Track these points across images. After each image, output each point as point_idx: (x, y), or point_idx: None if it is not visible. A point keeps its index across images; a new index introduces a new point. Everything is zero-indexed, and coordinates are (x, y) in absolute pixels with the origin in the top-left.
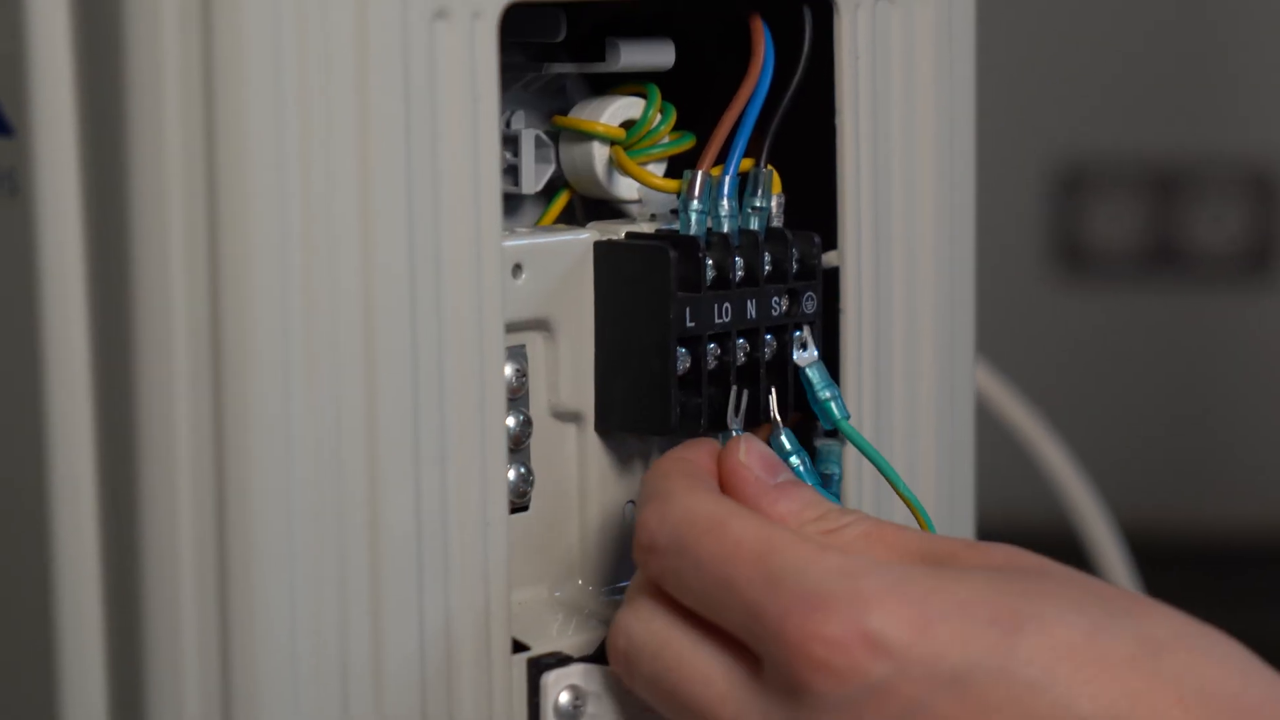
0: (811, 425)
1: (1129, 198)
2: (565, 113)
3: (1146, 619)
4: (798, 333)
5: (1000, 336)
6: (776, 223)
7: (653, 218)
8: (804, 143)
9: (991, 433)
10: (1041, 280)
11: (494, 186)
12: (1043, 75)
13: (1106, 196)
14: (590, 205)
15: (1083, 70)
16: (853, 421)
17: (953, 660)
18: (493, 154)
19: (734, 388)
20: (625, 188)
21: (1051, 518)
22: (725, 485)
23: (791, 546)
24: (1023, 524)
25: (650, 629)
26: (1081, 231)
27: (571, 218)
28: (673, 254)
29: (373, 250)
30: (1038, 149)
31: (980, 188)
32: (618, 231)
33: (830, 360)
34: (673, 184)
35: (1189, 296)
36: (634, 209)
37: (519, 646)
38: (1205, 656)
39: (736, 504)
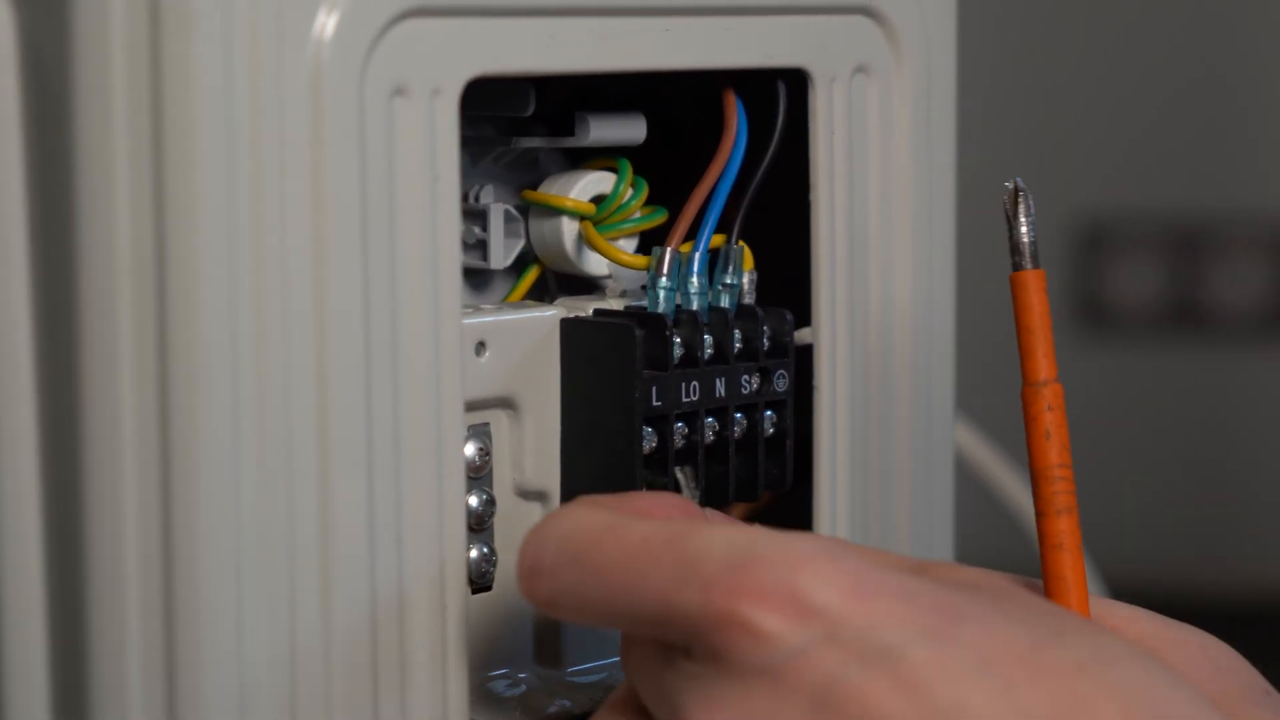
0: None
1: (1150, 256)
2: (537, 186)
3: (1101, 639)
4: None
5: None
6: (749, 299)
7: (623, 294)
8: (778, 218)
9: (982, 501)
10: (1062, 338)
11: (453, 266)
12: (1064, 134)
13: (1127, 254)
14: (563, 280)
15: (1104, 129)
16: (827, 499)
17: (886, 634)
18: (453, 233)
19: (677, 469)
20: (595, 263)
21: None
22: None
23: (707, 529)
24: None
25: None
26: (1102, 289)
27: (544, 292)
28: (638, 332)
29: (327, 331)
30: (1059, 207)
31: (1000, 246)
32: (585, 308)
33: (804, 438)
34: (642, 260)
35: (1210, 354)
36: (606, 284)
37: None
38: (1159, 681)
39: (616, 503)
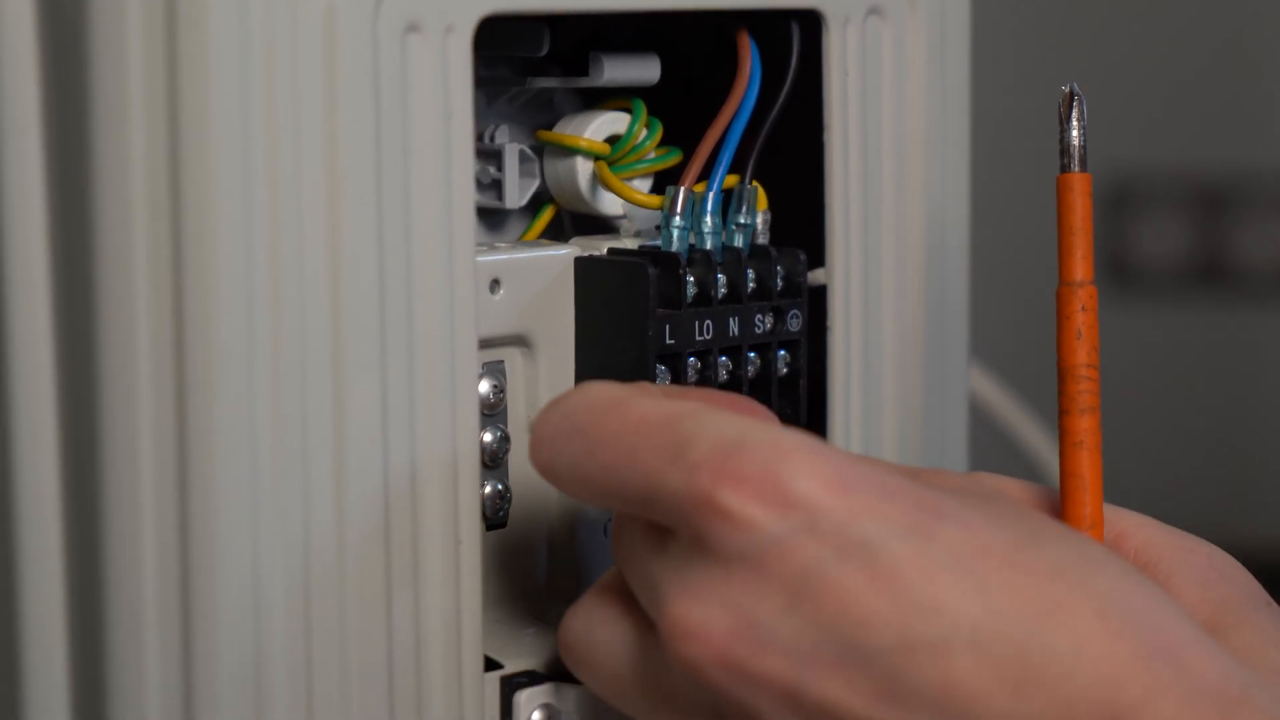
0: None
1: (1175, 214)
2: (553, 126)
3: (1083, 546)
4: None
5: (1046, 353)
6: (762, 240)
7: (638, 234)
8: (792, 159)
9: (996, 444)
10: None
11: (467, 203)
12: (1088, 92)
13: (1152, 213)
14: (578, 220)
15: (1128, 87)
16: (840, 439)
17: (865, 527)
18: (466, 171)
19: None
20: (609, 203)
21: None
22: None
23: (703, 412)
24: None
25: (588, 620)
26: (1128, 248)
27: (559, 232)
28: (652, 270)
29: (341, 266)
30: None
31: (1026, 205)
32: (600, 247)
33: (817, 379)
34: (655, 200)
35: (1235, 313)
36: (621, 224)
37: (492, 664)
38: (1137, 587)
39: (639, 389)
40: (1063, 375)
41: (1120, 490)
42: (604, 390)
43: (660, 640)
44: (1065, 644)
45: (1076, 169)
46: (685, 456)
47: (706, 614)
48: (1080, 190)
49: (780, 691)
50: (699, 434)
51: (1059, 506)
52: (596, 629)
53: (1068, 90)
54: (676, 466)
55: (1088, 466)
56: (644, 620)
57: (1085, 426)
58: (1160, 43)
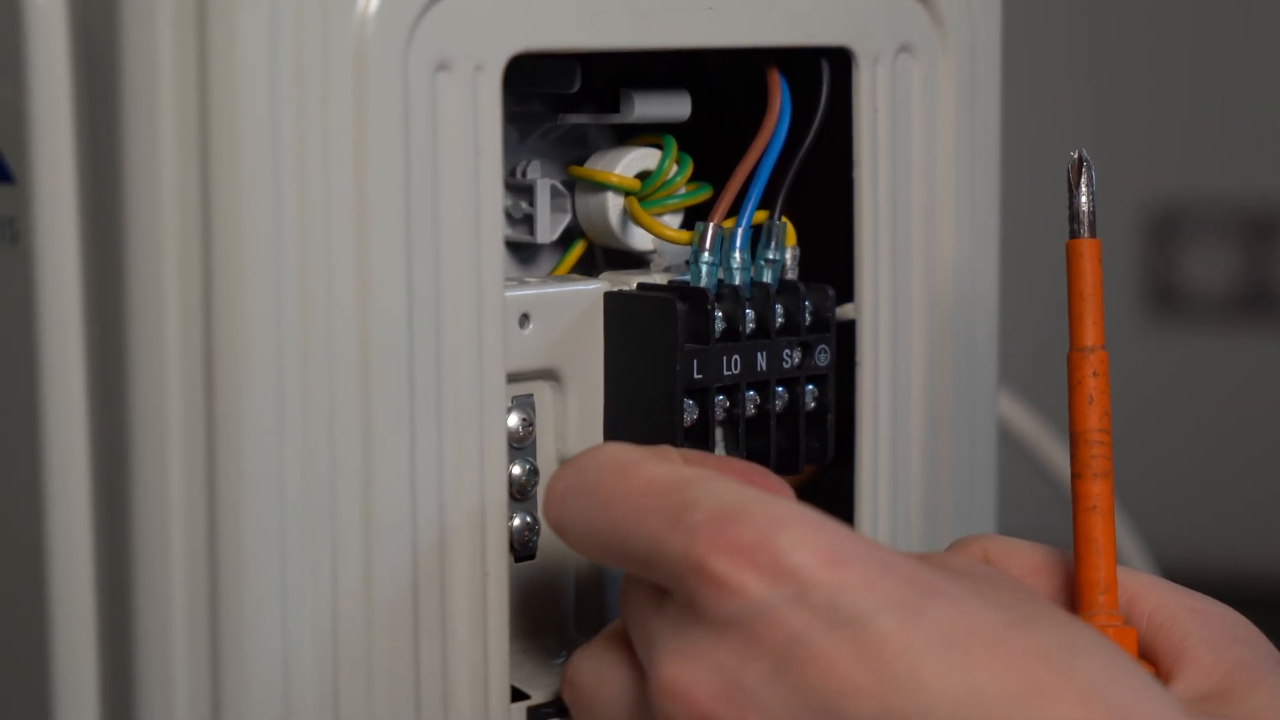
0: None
1: (1223, 241)
2: (585, 162)
3: (1073, 630)
4: None
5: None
6: (791, 275)
7: (667, 269)
8: (822, 196)
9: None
10: (1134, 323)
11: (496, 239)
12: (1136, 118)
13: (1200, 239)
14: (610, 255)
15: (1177, 113)
16: (868, 473)
17: (855, 600)
18: (495, 206)
19: None
20: (640, 238)
21: None
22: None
23: (709, 479)
24: None
25: (596, 665)
26: (1175, 275)
27: (591, 267)
28: (680, 306)
29: (370, 301)
30: (1131, 192)
31: (1048, 223)
32: (630, 282)
33: (846, 414)
34: (685, 235)
35: None
36: (651, 259)
37: (519, 695)
38: (1124, 673)
39: (654, 452)
40: (1075, 440)
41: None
42: (617, 451)
43: (649, 698)
44: None
45: (1086, 234)
46: (684, 521)
47: (694, 676)
48: (1090, 256)
49: None
50: (701, 500)
51: (1071, 568)
52: (604, 673)
53: (1076, 156)
54: (676, 531)
55: (1101, 530)
56: (644, 673)
57: (1099, 491)
58: (1209, 70)
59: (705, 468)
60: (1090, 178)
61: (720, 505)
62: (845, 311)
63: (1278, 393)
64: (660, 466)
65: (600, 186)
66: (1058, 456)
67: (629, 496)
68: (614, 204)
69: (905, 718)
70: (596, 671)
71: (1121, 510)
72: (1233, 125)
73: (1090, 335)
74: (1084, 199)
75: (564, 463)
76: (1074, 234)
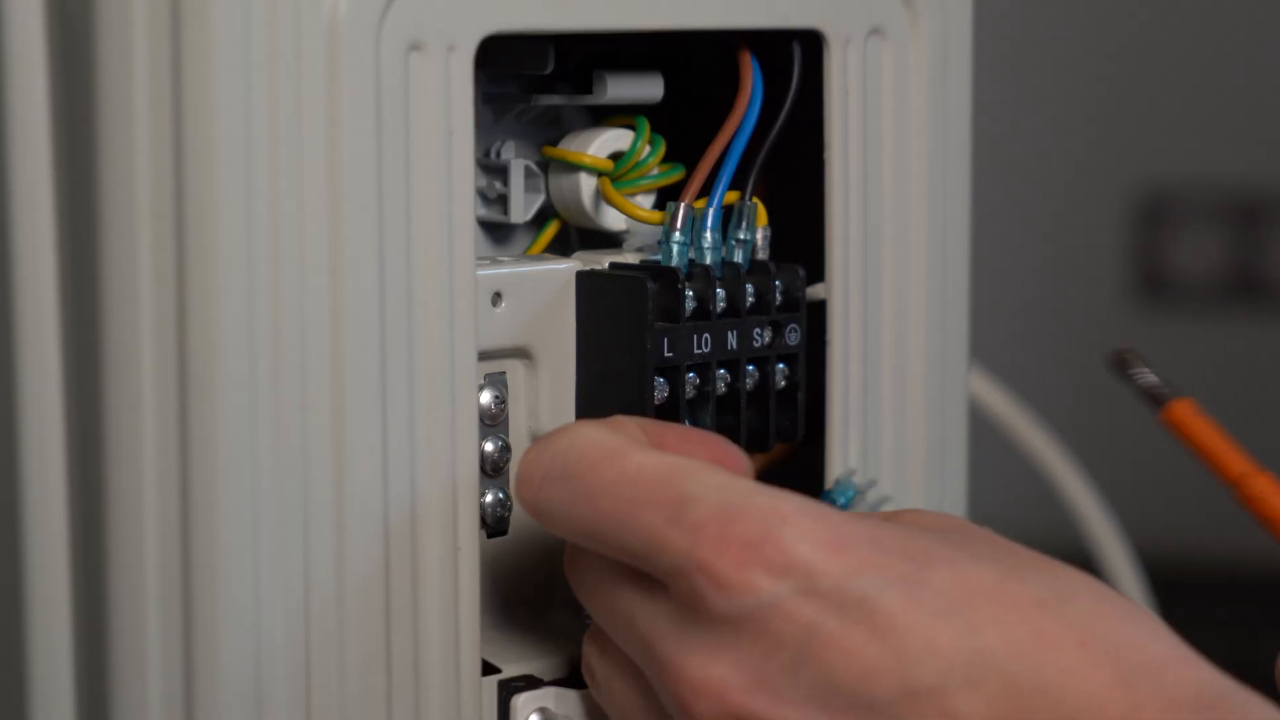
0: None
1: (1211, 227)
2: (559, 142)
3: (1060, 574)
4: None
5: (1080, 364)
6: (762, 255)
7: (640, 249)
8: (793, 177)
9: (1016, 461)
10: (1122, 309)
11: (468, 218)
12: (1125, 105)
13: (1188, 226)
14: (584, 234)
15: (1165, 99)
16: (839, 450)
17: (861, 583)
18: (467, 186)
19: None
20: (612, 218)
21: (1071, 545)
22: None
23: (703, 471)
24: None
25: (593, 646)
26: (1163, 260)
27: (566, 246)
28: (651, 285)
29: (342, 279)
30: (1120, 178)
31: (1062, 217)
32: (602, 262)
33: (816, 392)
34: (656, 216)
35: (1272, 326)
36: (624, 239)
37: (490, 669)
38: (1113, 610)
39: (636, 439)
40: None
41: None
42: (595, 436)
43: (669, 698)
44: (1052, 675)
45: (1173, 398)
46: (686, 518)
47: (722, 673)
48: (1189, 411)
49: None
50: (701, 495)
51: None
52: (611, 667)
53: (1114, 353)
54: (678, 528)
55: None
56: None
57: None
58: (1197, 56)
59: (665, 442)
60: (1138, 359)
61: (720, 501)
62: (816, 291)
63: (1265, 378)
64: (645, 455)
65: (574, 167)
66: (1027, 435)
67: (619, 487)
68: (587, 184)
69: (926, 687)
70: (603, 665)
71: (1105, 497)
72: (1221, 112)
73: (1241, 462)
74: (1147, 377)
75: (535, 441)
76: (1162, 404)
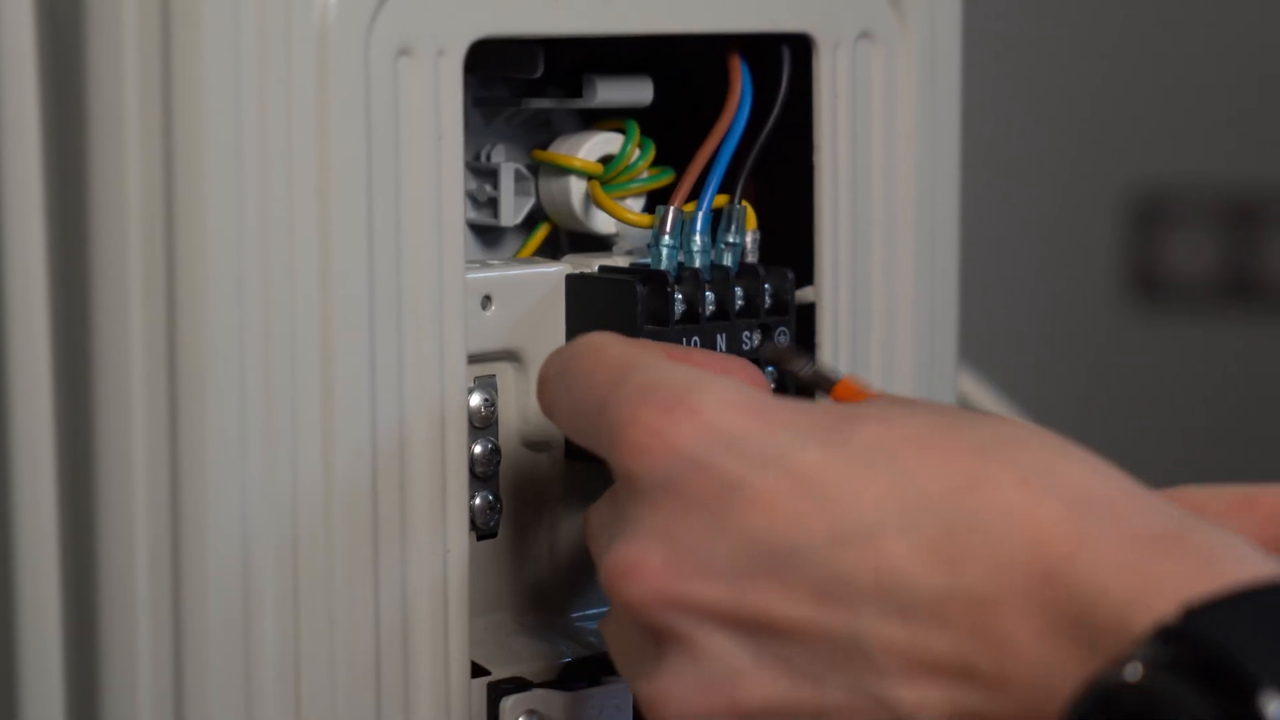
0: None
1: (1206, 228)
2: (549, 146)
3: (1006, 423)
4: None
5: (1075, 365)
6: (752, 259)
7: (630, 252)
8: (782, 180)
9: None
10: (1117, 309)
11: (457, 221)
12: (1119, 105)
13: (1184, 226)
14: (574, 238)
15: (1159, 100)
16: None
17: (780, 440)
18: (456, 190)
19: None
20: (602, 222)
21: None
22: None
23: (658, 361)
24: None
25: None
26: (1158, 261)
27: (557, 249)
28: (640, 288)
29: (332, 283)
30: (1114, 179)
31: (1056, 217)
32: (591, 265)
33: (805, 395)
34: (645, 219)
35: (1266, 327)
36: (614, 242)
37: (479, 671)
38: (1060, 453)
39: (636, 343)
40: None
41: None
42: (594, 336)
43: (605, 593)
44: (991, 513)
45: (839, 380)
46: (620, 390)
47: (640, 550)
48: (853, 387)
49: (723, 613)
50: (636, 376)
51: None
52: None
53: (771, 350)
54: (611, 406)
55: None
56: None
57: None
58: (1192, 56)
59: (690, 361)
60: (792, 353)
61: (650, 375)
62: (805, 294)
63: (1260, 379)
64: (623, 346)
65: (564, 170)
66: None
67: (592, 373)
68: (577, 188)
69: (855, 534)
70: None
71: None
72: (1215, 112)
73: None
74: (806, 368)
75: (553, 352)
76: (832, 384)
